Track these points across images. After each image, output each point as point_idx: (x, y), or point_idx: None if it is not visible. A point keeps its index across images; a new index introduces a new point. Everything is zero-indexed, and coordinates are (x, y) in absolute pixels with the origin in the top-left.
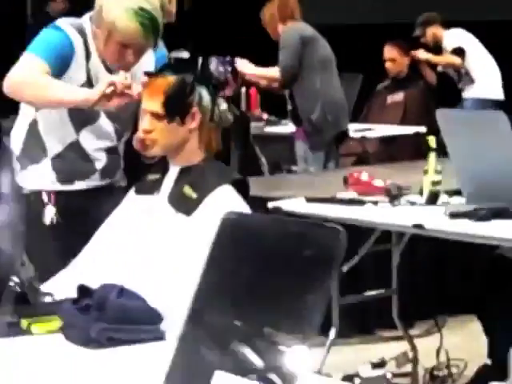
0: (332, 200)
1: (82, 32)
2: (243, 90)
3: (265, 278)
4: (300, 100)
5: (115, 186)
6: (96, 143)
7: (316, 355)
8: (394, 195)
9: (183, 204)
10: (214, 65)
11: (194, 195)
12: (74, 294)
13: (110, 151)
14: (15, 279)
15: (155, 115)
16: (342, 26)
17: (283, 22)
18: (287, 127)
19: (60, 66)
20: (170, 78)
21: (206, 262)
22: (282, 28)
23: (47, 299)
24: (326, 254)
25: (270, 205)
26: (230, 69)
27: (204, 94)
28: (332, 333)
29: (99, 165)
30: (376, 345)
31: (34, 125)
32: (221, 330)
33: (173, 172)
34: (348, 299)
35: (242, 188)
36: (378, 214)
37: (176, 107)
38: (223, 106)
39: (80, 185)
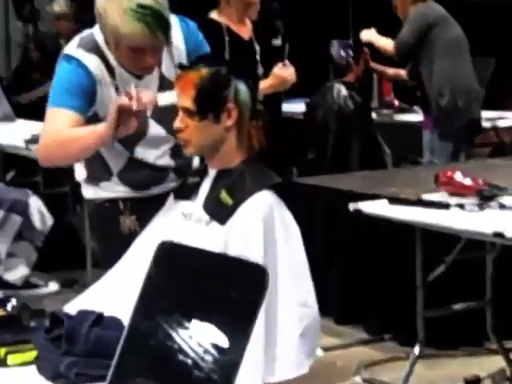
0: (415, 202)
1: (97, 49)
2: (375, 75)
3: (189, 315)
4: (428, 84)
5: None
6: (155, 152)
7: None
8: (485, 197)
9: (218, 211)
10: (335, 49)
11: (230, 201)
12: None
13: (174, 150)
14: (13, 301)
15: (187, 112)
16: (474, 4)
17: (414, 4)
18: (418, 115)
19: (86, 102)
20: (203, 71)
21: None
22: (412, 9)
23: (35, 322)
24: (249, 296)
25: (351, 207)
26: (351, 53)
27: (241, 87)
28: (416, 349)
29: (170, 166)
30: (469, 360)
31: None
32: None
33: (211, 175)
34: (435, 312)
35: (285, 192)
36: (462, 219)
37: (209, 103)
38: (344, 92)
39: (157, 189)
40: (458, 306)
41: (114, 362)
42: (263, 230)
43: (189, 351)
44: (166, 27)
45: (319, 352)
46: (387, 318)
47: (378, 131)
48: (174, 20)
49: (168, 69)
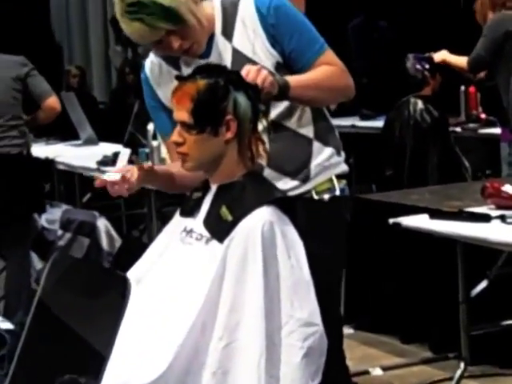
0: (455, 216)
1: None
2: (462, 88)
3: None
4: (505, 97)
5: None
6: None
7: None
8: None
9: (218, 228)
10: (411, 62)
11: (230, 218)
12: None
13: None
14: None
15: (184, 125)
16: None
17: (493, 10)
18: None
19: (163, 116)
20: (200, 83)
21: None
22: (491, 16)
23: None
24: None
25: (391, 221)
26: (427, 66)
27: (241, 99)
28: (461, 366)
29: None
30: None
31: None
32: None
33: (212, 190)
34: (480, 328)
35: (289, 206)
36: (503, 231)
37: (206, 115)
38: (420, 106)
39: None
40: (506, 323)
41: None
42: (262, 247)
43: None
44: (164, 13)
45: (377, 371)
46: (451, 336)
47: (459, 145)
48: None
49: (243, 43)
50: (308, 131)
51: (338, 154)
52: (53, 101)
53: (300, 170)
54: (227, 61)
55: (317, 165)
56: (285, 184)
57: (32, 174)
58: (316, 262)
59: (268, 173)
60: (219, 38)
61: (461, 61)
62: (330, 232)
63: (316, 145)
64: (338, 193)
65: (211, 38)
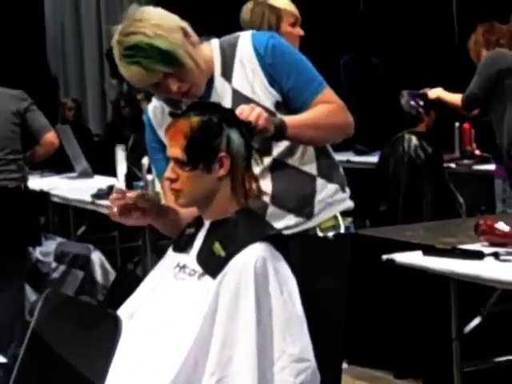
0: (448, 253)
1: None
2: (457, 124)
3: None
4: (499, 133)
5: None
6: None
7: None
8: None
9: (211, 264)
10: (405, 99)
11: (223, 253)
12: None
13: None
14: None
15: (177, 162)
16: None
17: (487, 48)
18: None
19: (158, 161)
20: (194, 119)
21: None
22: (484, 54)
23: None
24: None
25: (384, 257)
26: (422, 103)
27: (234, 136)
28: None
29: None
30: None
31: None
32: None
33: (205, 226)
34: (473, 364)
35: (282, 243)
36: (496, 268)
37: (199, 152)
38: (414, 142)
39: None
40: (499, 359)
41: None
42: (255, 283)
43: None
44: (162, 56)
45: None
46: (444, 372)
47: (453, 181)
48: (245, 36)
49: (242, 83)
50: (311, 168)
51: (343, 190)
52: (51, 136)
53: (304, 207)
54: (227, 102)
55: (320, 201)
56: (289, 221)
57: (29, 207)
58: (319, 298)
59: (272, 210)
60: (218, 80)
61: (455, 98)
62: (333, 269)
63: (320, 181)
64: (342, 230)
65: (211, 79)
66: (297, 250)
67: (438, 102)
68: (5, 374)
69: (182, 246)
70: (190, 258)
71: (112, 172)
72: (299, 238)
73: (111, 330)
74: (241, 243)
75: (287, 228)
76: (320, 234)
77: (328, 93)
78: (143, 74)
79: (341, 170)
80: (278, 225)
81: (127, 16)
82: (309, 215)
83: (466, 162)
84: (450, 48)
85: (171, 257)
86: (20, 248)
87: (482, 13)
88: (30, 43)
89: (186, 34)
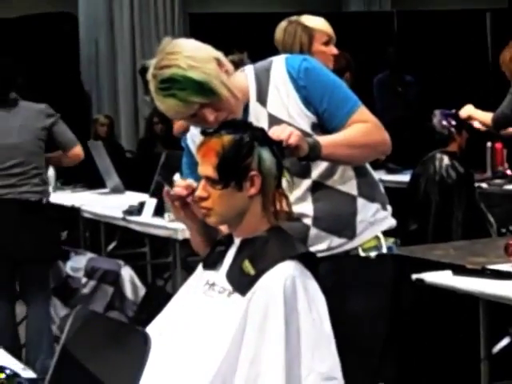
0: (478, 273)
1: None
2: (489, 144)
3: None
4: None
5: None
6: None
7: None
8: None
9: (240, 281)
10: (437, 118)
11: (252, 271)
12: None
13: None
14: None
15: (209, 180)
16: None
17: None
18: None
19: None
20: (225, 138)
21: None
22: None
23: None
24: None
25: (414, 276)
26: (454, 122)
27: (265, 155)
28: None
29: None
30: None
31: None
32: None
33: (236, 244)
34: None
35: (312, 261)
36: None
37: (231, 171)
38: (446, 162)
39: None
40: None
41: None
42: (284, 302)
43: None
44: (197, 87)
45: None
46: None
47: (484, 200)
48: (279, 60)
49: (277, 108)
50: (351, 188)
51: (384, 208)
52: (78, 150)
53: (346, 228)
54: (264, 126)
55: (362, 221)
56: (331, 242)
57: (51, 221)
58: (357, 317)
59: (314, 232)
60: (254, 105)
61: (486, 117)
62: (373, 289)
63: (360, 201)
64: (384, 250)
65: (246, 106)
66: (338, 270)
67: (470, 121)
68: None
69: (212, 264)
70: (220, 276)
71: (143, 188)
72: (341, 258)
73: (140, 347)
74: (270, 261)
75: (330, 249)
76: (362, 254)
77: (363, 112)
78: (179, 106)
79: (381, 187)
80: (321, 247)
81: (160, 50)
82: (351, 236)
83: (497, 181)
84: (484, 66)
85: (201, 274)
86: (43, 260)
87: None
88: (64, 60)
89: (219, 63)
